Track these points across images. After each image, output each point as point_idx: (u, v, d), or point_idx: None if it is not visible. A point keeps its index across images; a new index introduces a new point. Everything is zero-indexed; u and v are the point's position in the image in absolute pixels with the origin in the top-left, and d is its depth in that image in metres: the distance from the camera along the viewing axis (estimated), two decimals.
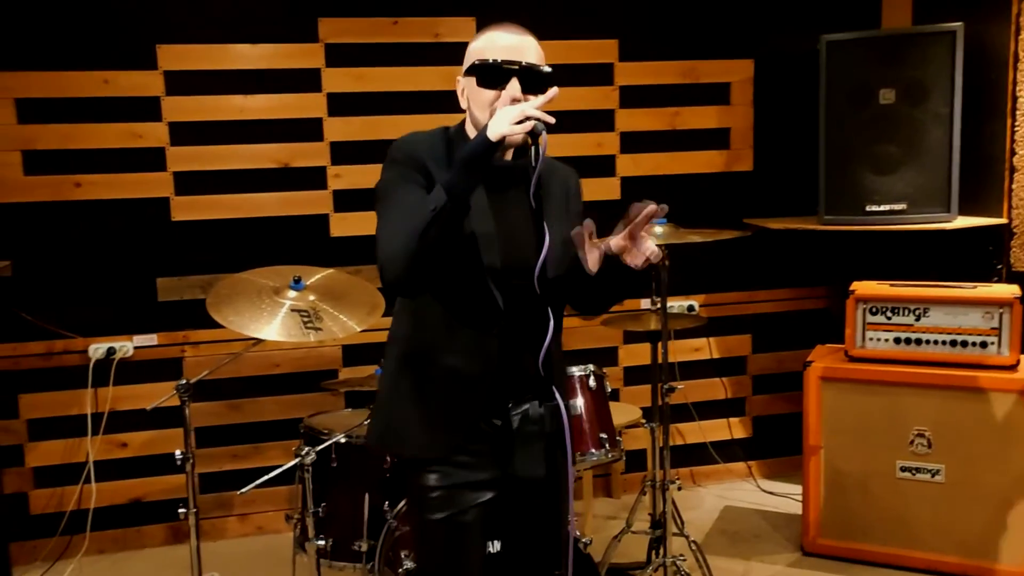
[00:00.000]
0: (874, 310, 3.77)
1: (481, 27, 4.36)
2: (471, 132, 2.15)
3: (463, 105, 2.18)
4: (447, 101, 4.17)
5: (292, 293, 3.18)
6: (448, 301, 2.12)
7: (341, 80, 4.15)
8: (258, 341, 3.13)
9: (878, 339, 3.77)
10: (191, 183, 4.07)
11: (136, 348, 4.07)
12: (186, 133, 4.04)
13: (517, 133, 1.91)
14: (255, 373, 4.18)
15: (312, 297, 3.19)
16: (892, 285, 3.80)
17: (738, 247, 4.36)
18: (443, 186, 1.94)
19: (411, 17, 4.17)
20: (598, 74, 4.39)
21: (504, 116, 1.94)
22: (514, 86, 2.04)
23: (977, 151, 4.10)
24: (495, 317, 2.09)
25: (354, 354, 4.25)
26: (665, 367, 3.37)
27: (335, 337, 3.14)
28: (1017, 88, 3.97)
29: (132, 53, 3.96)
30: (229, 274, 3.33)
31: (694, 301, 4.60)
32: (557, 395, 2.06)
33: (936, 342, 3.69)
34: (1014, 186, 4.01)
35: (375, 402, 2.31)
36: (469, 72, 2.10)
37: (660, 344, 3.36)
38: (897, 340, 3.74)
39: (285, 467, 3.03)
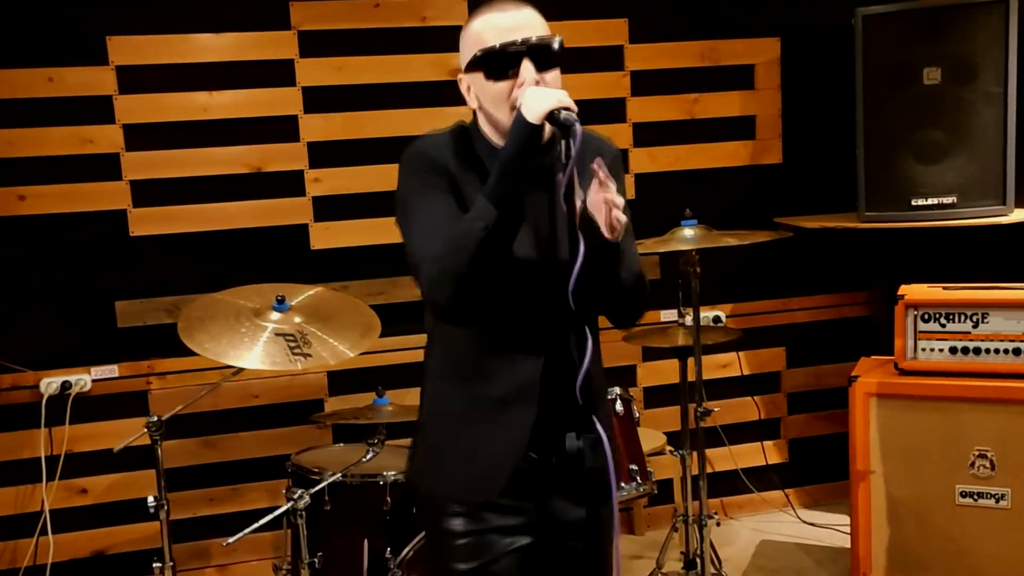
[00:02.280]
0: (926, 317, 3.76)
1: (474, 8, 4.33)
2: (488, 131, 2.13)
3: (473, 105, 2.14)
4: (439, 92, 4.27)
5: (275, 315, 3.19)
6: (485, 322, 2.07)
7: (318, 72, 4.14)
8: (238, 370, 3.13)
9: (932, 349, 3.75)
10: (151, 193, 4.05)
11: (95, 381, 4.04)
12: (143, 136, 4.02)
13: (556, 108, 1.89)
14: (232, 406, 4.17)
15: (298, 319, 3.20)
16: (945, 288, 3.78)
17: (768, 250, 4.34)
18: (488, 197, 1.91)
19: None
20: (606, 58, 4.40)
21: (539, 94, 1.92)
22: (528, 69, 2.01)
23: None
24: (539, 336, 2.06)
25: (342, 381, 4.23)
26: (699, 386, 3.37)
27: (326, 364, 3.14)
28: None
29: (79, 47, 3.94)
30: (198, 295, 3.33)
31: (720, 312, 4.61)
32: (599, 426, 2.06)
33: (997, 351, 3.66)
34: None
35: (414, 440, 2.28)
36: (472, 67, 2.07)
37: (692, 361, 3.37)
38: (953, 350, 3.72)
39: (278, 512, 3.02)
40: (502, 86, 2.03)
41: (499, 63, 2.02)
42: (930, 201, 4.08)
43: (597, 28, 4.37)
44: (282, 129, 4.14)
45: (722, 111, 4.55)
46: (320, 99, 4.16)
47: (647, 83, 4.45)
